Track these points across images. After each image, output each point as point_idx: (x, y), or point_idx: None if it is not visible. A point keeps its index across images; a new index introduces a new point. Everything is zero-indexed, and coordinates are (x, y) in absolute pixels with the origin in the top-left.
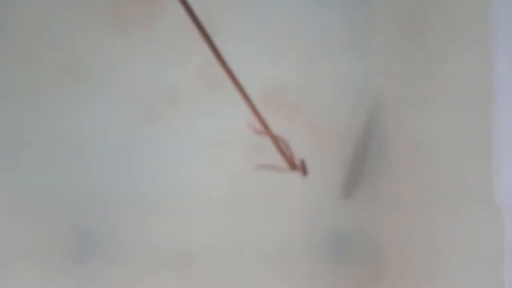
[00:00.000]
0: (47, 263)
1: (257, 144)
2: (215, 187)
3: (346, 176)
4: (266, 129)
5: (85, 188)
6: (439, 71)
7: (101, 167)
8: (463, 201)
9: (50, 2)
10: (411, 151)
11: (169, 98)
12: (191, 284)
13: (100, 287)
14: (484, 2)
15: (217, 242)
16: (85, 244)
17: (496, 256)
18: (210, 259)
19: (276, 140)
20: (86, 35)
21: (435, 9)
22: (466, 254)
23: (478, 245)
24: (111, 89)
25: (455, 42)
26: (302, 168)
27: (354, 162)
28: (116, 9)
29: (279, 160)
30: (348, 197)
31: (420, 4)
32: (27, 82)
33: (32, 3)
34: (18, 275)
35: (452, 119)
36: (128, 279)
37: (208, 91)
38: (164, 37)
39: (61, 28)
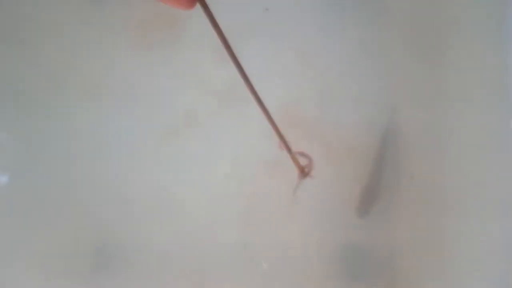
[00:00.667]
0: (64, 274)
1: (273, 162)
2: (231, 204)
3: (361, 195)
4: (283, 141)
5: (104, 203)
6: (455, 86)
7: (121, 182)
8: (482, 215)
9: (77, 26)
10: (428, 168)
11: (188, 116)
12: None
13: None
14: (498, 15)
15: (233, 258)
16: (103, 258)
17: None
18: (224, 275)
19: (290, 151)
20: (111, 55)
21: (448, 25)
22: (485, 270)
23: (499, 259)
24: (133, 108)
25: (470, 54)
26: (304, 171)
27: (369, 180)
28: (139, 30)
29: (296, 176)
30: (362, 215)
31: (432, 21)
32: (53, 100)
33: (60, 27)
34: (35, 285)
35: (469, 133)
36: None
37: (226, 110)
38: (184, 58)
39: (86, 50)
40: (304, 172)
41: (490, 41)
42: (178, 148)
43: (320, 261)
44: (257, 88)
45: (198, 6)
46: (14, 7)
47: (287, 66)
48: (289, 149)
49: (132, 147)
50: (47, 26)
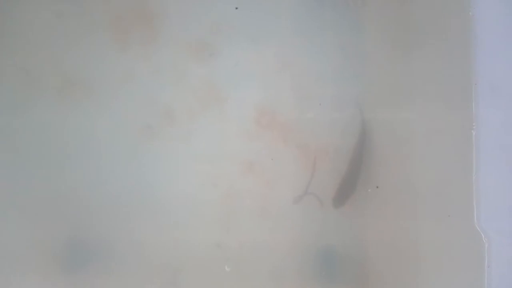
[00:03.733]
0: (43, 272)
1: (250, 161)
2: (208, 203)
3: (338, 187)
4: None
5: (81, 201)
6: (427, 94)
7: (98, 180)
8: (447, 220)
9: (53, 20)
10: (398, 172)
11: (166, 115)
12: None
13: None
14: (465, 17)
15: (208, 257)
16: (79, 254)
17: (477, 273)
18: (200, 275)
19: None
20: (87, 53)
21: (423, 33)
22: (450, 270)
23: (461, 262)
24: (110, 105)
25: (442, 65)
26: None
27: (346, 173)
28: (116, 28)
29: (273, 177)
30: (338, 206)
31: (408, 27)
32: (29, 96)
33: (35, 21)
34: (15, 282)
35: (438, 141)
36: None
37: (204, 109)
38: (162, 56)
39: (63, 45)
40: None
41: (457, 50)
42: (155, 146)
43: (294, 262)
44: (233, 89)
45: None
46: None
47: (265, 67)
48: None
49: (108, 143)
50: (23, 20)
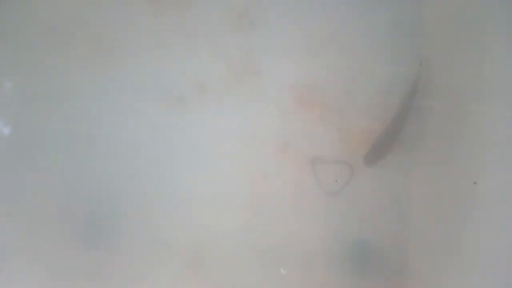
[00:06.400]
0: (63, 247)
1: (283, 141)
2: (237, 185)
3: (372, 145)
4: None
5: (106, 176)
6: (485, 80)
7: (123, 154)
8: (490, 212)
9: None
10: (437, 160)
11: (198, 86)
12: (202, 279)
13: (113, 273)
14: None
15: (233, 241)
16: (102, 231)
17: None
18: (223, 258)
19: None
20: (121, 16)
21: (486, 10)
22: (491, 266)
23: (505, 255)
24: (140, 72)
25: (501, 46)
26: None
27: (383, 132)
28: None
29: (305, 160)
30: (369, 164)
31: (470, 8)
32: (58, 59)
33: None
34: (36, 256)
35: (488, 125)
36: (140, 269)
37: (238, 82)
38: (197, 24)
39: (96, 7)
40: None
41: None
42: (185, 119)
43: (327, 253)
44: (272, 64)
45: None
46: None
47: (308, 44)
48: None
49: (135, 113)
50: None
